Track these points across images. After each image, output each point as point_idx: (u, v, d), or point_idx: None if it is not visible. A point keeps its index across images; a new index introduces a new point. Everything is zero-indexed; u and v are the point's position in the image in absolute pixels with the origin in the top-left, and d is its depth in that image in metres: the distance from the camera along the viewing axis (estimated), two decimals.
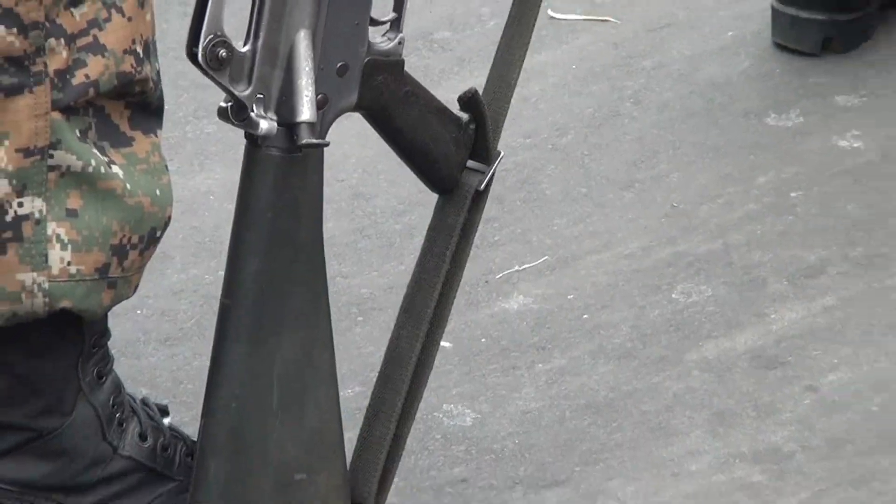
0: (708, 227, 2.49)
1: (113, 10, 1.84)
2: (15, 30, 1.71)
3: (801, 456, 2.06)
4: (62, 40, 1.78)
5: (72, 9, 1.80)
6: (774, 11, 3.01)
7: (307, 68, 1.86)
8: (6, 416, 1.95)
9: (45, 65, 1.74)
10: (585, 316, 2.31)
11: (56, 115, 1.76)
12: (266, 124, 1.81)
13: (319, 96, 1.85)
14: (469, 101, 1.96)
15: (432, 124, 1.97)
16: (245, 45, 1.80)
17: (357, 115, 1.87)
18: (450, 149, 1.99)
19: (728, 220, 2.52)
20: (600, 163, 2.68)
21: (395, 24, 1.93)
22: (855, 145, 2.70)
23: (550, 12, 2.94)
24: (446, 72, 2.73)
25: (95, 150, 1.82)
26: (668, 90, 2.95)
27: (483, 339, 2.26)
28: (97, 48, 1.81)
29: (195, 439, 1.93)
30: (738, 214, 2.55)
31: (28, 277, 1.80)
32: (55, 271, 1.83)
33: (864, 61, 3.00)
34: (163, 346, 2.19)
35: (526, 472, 2.06)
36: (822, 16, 2.97)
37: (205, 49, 1.76)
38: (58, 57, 1.76)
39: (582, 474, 2.02)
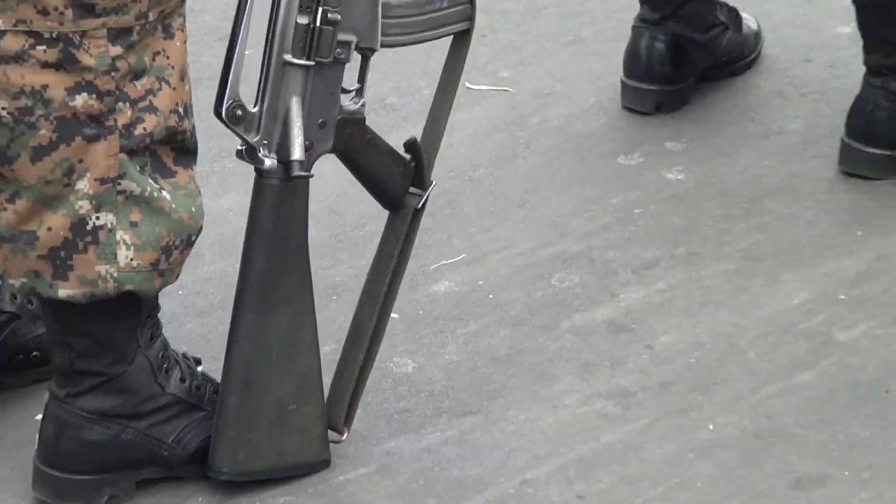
0: (577, 234, 2.52)
1: (163, 83, 1.86)
2: (94, 96, 1.73)
3: (642, 394, 2.09)
4: (128, 104, 1.80)
5: (134, 81, 1.82)
6: (623, 84, 3.01)
7: (298, 123, 1.88)
8: (88, 365, 1.95)
9: (115, 121, 1.76)
10: (491, 296, 2.33)
11: (123, 156, 1.78)
12: (269, 162, 1.87)
13: (307, 143, 1.88)
14: (411, 146, 1.98)
15: (385, 163, 1.98)
16: (255, 106, 1.86)
17: (332, 156, 1.91)
18: (397, 180, 2.00)
19: (590, 229, 2.54)
20: (502, 189, 2.70)
21: (359, 92, 1.95)
22: (679, 177, 2.73)
23: (467, 84, 2.94)
24: (395, 126, 2.70)
25: (150, 180, 1.83)
26: (550, 139, 2.96)
27: (420, 312, 2.27)
28: (152, 109, 1.82)
29: (219, 382, 1.95)
30: (598, 225, 2.57)
31: (103, 269, 1.82)
32: (122, 264, 1.85)
33: (685, 118, 3.03)
34: (197, 316, 2.23)
35: (450, 405, 2.08)
36: (655, 87, 2.98)
37: (227, 110, 1.84)
38: (124, 115, 1.78)
39: (489, 406, 2.04)
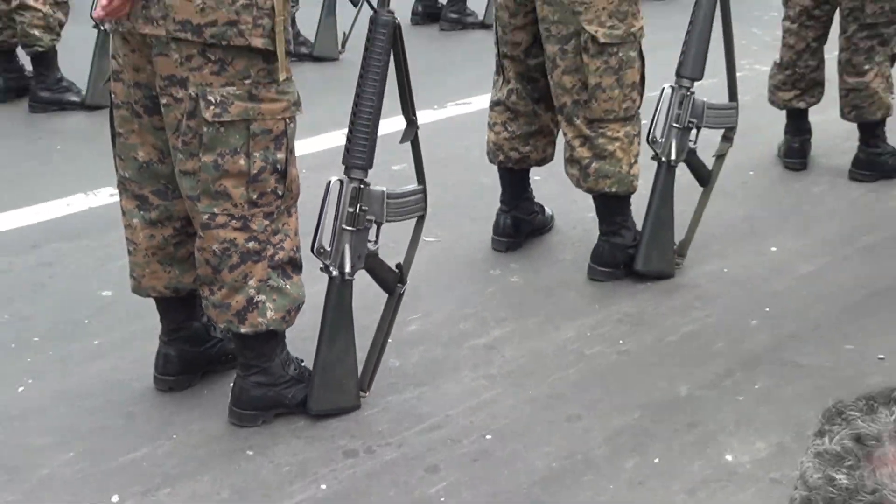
0: None
1: (286, 236, 3.07)
2: (257, 243, 3.01)
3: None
4: (271, 246, 3.09)
5: (274, 235, 3.05)
6: (492, 239, 4.32)
7: (348, 256, 3.11)
8: (253, 362, 3.10)
9: (266, 253, 3.06)
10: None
11: (270, 270, 3.06)
12: (335, 273, 3.10)
13: (352, 264, 3.10)
14: (398, 266, 3.25)
15: (386, 270, 3.27)
16: (330, 247, 3.06)
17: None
18: (392, 279, 3.25)
19: None
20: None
21: (375, 242, 3.15)
22: None
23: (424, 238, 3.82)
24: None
25: (281, 280, 3.07)
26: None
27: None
28: (283, 248, 3.06)
29: (311, 369, 3.15)
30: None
31: (260, 320, 3.06)
32: (269, 318, 3.09)
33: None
34: (301, 341, 3.29)
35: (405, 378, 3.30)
36: (506, 240, 4.43)
37: (316, 250, 3.06)
38: (270, 250, 3.07)
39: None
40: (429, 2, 7.80)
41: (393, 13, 3.07)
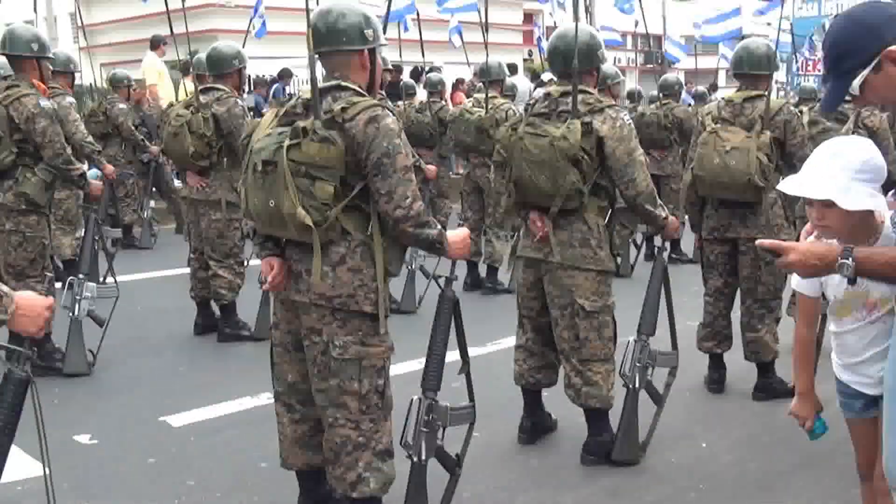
0: None
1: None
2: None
3: None
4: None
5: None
6: None
7: (424, 449, 3.06)
8: None
9: None
10: None
11: None
12: (416, 459, 3.07)
13: (427, 453, 3.08)
14: (457, 456, 3.29)
15: (447, 457, 3.18)
16: (412, 441, 3.05)
17: None
18: (451, 462, 3.21)
19: None
20: None
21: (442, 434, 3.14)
22: None
23: None
24: None
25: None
26: None
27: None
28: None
29: None
30: None
31: None
32: None
33: None
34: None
35: None
36: None
37: (403, 444, 3.06)
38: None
39: None
40: (474, 275, 7.86)
41: (454, 292, 3.16)
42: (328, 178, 2.72)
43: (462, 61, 10.12)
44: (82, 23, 11.91)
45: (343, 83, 2.91)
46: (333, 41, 2.90)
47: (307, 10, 2.93)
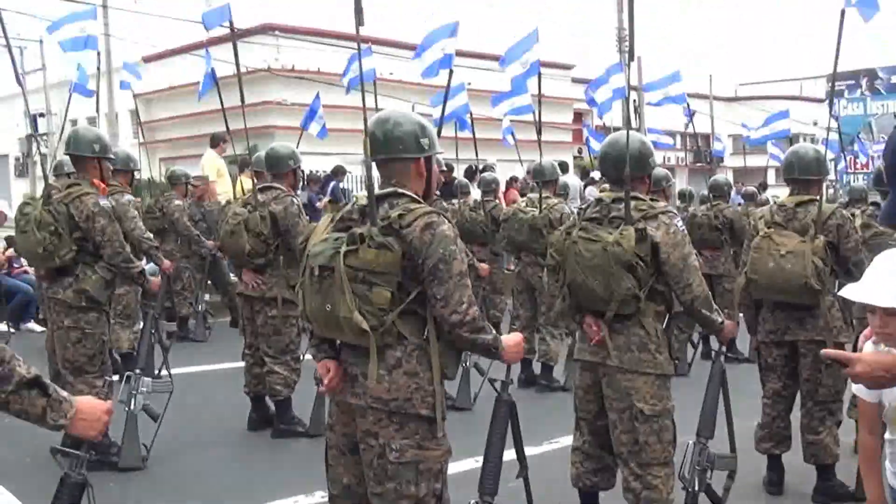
0: None
1: None
2: None
3: None
4: None
5: None
6: None
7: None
8: None
9: None
10: None
11: None
12: None
13: None
14: None
15: None
16: None
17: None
18: None
19: None
20: None
21: None
22: None
23: None
24: None
25: None
26: None
27: None
28: None
29: None
30: None
31: None
32: None
33: None
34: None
35: None
36: None
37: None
38: None
39: None
40: (528, 372, 7.82)
41: (510, 396, 3.14)
42: (385, 283, 2.74)
43: (513, 158, 10.27)
44: (140, 120, 12.33)
45: (399, 190, 2.95)
46: (390, 149, 2.95)
47: (364, 121, 2.98)
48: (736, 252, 8.81)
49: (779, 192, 21.67)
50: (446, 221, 2.88)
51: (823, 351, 2.26)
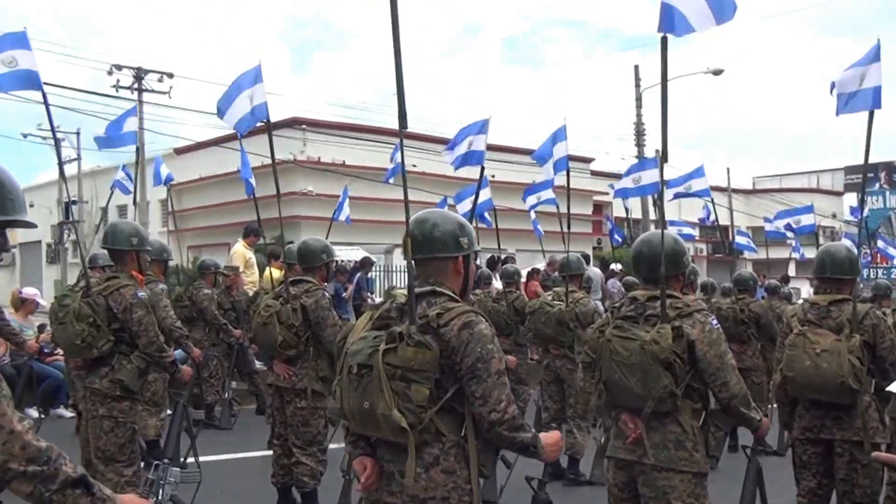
0: None
1: None
2: None
3: None
4: None
5: None
6: None
7: None
8: None
9: None
10: None
11: None
12: None
13: None
14: None
15: None
16: None
17: None
18: None
19: None
20: None
21: None
22: None
23: None
24: None
25: None
26: None
27: None
28: None
29: None
30: None
31: None
32: None
33: None
34: None
35: None
36: None
37: None
38: None
39: None
40: (555, 465, 7.62)
41: (547, 495, 3.07)
42: (423, 381, 2.71)
43: (534, 248, 10.34)
44: (173, 208, 12.51)
45: (438, 289, 2.95)
46: (429, 249, 2.98)
47: (406, 218, 3.00)
48: (763, 346, 8.78)
49: (797, 285, 21.62)
50: (484, 321, 2.87)
51: (874, 454, 2.20)
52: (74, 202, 28.92)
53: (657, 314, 3.80)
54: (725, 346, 3.79)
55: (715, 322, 3.81)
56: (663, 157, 3.85)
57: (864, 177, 5.52)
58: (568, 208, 7.68)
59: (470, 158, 7.55)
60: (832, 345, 4.55)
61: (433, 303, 2.91)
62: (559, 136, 7.93)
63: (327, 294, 6.05)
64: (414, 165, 19.56)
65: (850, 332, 4.58)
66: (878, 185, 39.42)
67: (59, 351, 8.90)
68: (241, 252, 11.58)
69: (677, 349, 3.69)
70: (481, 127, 7.64)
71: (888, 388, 2.63)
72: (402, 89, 2.94)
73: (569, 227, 7.57)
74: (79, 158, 33.63)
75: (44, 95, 5.62)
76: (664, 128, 3.78)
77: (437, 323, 2.81)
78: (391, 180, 10.66)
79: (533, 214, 10.88)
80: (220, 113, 6.56)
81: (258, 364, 9.95)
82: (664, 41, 3.68)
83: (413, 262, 2.99)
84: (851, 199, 41.53)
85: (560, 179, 8.13)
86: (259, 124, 6.80)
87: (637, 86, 26.35)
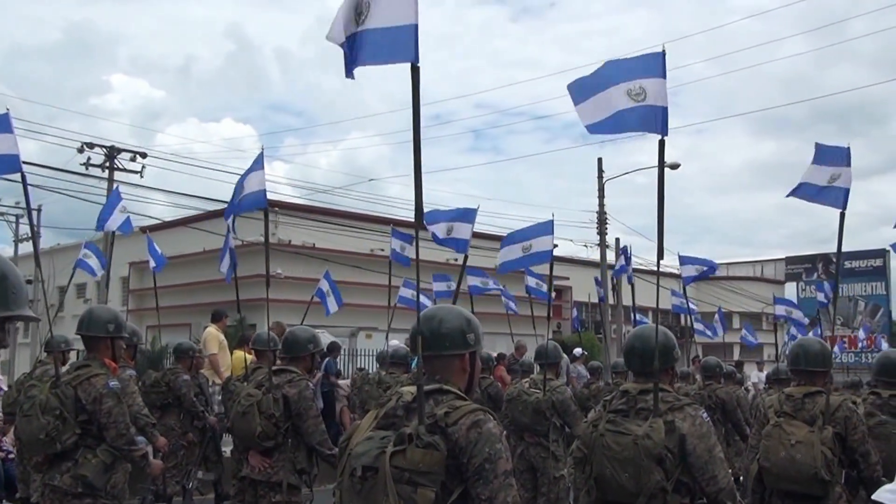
0: None
1: None
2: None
3: None
4: None
5: None
6: None
7: None
8: None
9: None
10: None
11: None
12: None
13: None
14: None
15: None
16: None
17: None
18: None
19: None
20: None
21: None
22: None
23: None
24: None
25: None
26: None
27: None
28: None
29: None
30: None
31: None
32: None
33: None
34: None
35: None
36: None
37: None
38: None
39: None
40: None
41: None
42: (430, 483, 2.60)
43: (500, 331, 10.37)
44: (130, 287, 12.17)
45: (445, 387, 2.86)
46: (437, 346, 2.90)
47: (418, 312, 2.94)
48: (726, 432, 8.84)
49: (747, 371, 21.85)
50: (492, 419, 2.77)
51: None
52: (29, 281, 28.23)
53: (649, 408, 3.74)
54: (714, 438, 3.73)
55: (705, 415, 3.76)
56: (659, 254, 3.90)
57: (838, 265, 5.57)
58: (549, 299, 7.70)
59: (455, 245, 7.46)
60: (805, 436, 4.60)
61: (440, 401, 2.80)
62: (543, 229, 7.83)
63: (311, 385, 5.76)
64: (382, 250, 19.49)
65: (823, 424, 4.62)
66: (815, 276, 40.91)
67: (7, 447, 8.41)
68: (214, 335, 11.36)
69: (669, 443, 3.62)
70: (466, 214, 7.54)
71: (874, 497, 2.60)
72: (420, 188, 2.94)
73: (549, 316, 7.57)
74: (38, 236, 33.02)
75: (23, 177, 5.40)
76: (660, 228, 3.84)
77: (446, 422, 2.71)
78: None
79: (508, 295, 10.90)
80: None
81: (224, 449, 9.57)
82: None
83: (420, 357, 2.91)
84: (791, 288, 42.49)
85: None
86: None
87: (600, 177, 26.95)
